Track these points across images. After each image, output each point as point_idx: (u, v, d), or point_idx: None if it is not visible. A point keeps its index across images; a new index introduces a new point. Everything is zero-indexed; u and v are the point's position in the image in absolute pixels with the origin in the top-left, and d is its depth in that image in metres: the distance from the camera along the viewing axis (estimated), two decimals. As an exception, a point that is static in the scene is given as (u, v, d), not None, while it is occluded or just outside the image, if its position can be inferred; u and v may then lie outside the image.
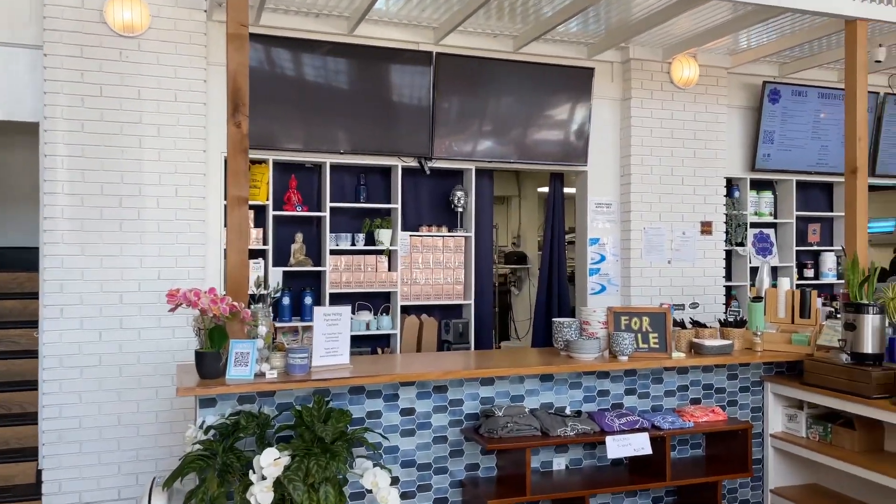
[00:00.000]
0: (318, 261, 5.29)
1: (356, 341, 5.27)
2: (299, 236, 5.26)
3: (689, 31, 5.42)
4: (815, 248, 6.69)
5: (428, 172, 5.48)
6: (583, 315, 4.13)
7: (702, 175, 5.97)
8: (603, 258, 5.86)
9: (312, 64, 5.06)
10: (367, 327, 5.28)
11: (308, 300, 5.12)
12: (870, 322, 3.75)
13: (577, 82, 5.63)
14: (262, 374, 3.29)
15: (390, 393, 3.60)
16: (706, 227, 5.98)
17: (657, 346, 4.03)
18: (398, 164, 5.38)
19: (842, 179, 6.60)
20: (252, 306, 3.48)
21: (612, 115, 5.88)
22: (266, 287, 3.94)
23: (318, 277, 5.32)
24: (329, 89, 5.12)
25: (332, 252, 5.24)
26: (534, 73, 5.56)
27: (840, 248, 6.69)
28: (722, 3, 4.87)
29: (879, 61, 5.13)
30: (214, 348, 3.23)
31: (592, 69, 5.65)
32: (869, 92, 6.43)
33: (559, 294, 6.01)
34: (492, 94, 5.45)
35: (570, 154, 5.71)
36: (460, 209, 5.59)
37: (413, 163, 5.43)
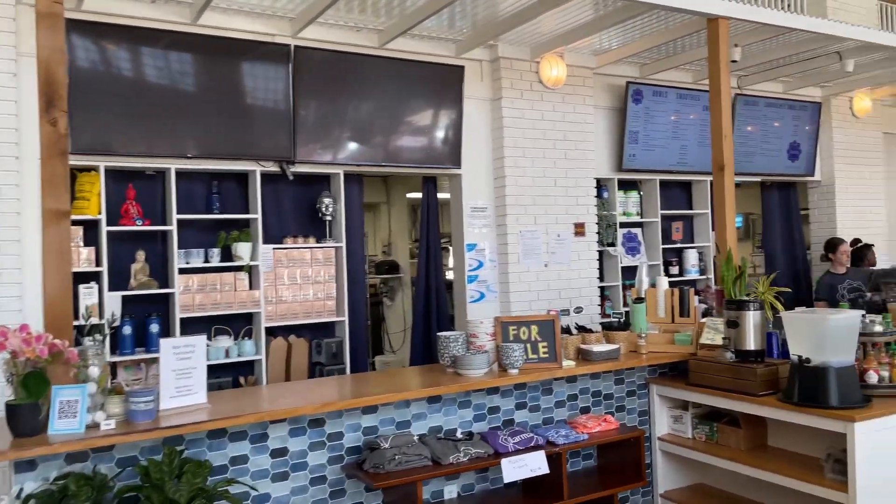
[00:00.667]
0: (165, 282, 4.65)
1: (215, 371, 4.68)
2: (141, 254, 4.59)
3: (555, 30, 5.35)
4: (679, 245, 6.91)
5: (291, 178, 5.00)
6: (470, 327, 3.86)
7: (573, 176, 5.94)
8: (481, 264, 5.66)
9: (152, 57, 4.44)
10: (227, 354, 4.71)
11: (154, 328, 4.47)
12: (751, 319, 3.77)
13: (446, 81, 5.39)
14: (97, 426, 2.71)
15: (258, 433, 3.13)
16: (579, 229, 5.95)
17: (547, 355, 3.84)
18: (257, 169, 4.86)
19: (700, 178, 6.87)
20: (81, 343, 2.87)
21: (483, 116, 5.70)
22: (100, 317, 3.32)
23: (166, 301, 4.67)
24: (173, 86, 4.51)
25: (182, 271, 4.62)
26: (402, 71, 5.25)
27: (705, 244, 6.96)
28: (586, 1, 4.83)
29: (735, 61, 5.34)
30: (31, 399, 2.63)
31: (462, 67, 5.44)
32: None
33: (437, 303, 5.73)
34: (358, 92, 5.08)
35: (443, 156, 5.46)
36: (329, 217, 5.15)
37: (274, 168, 4.93)
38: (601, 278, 6.25)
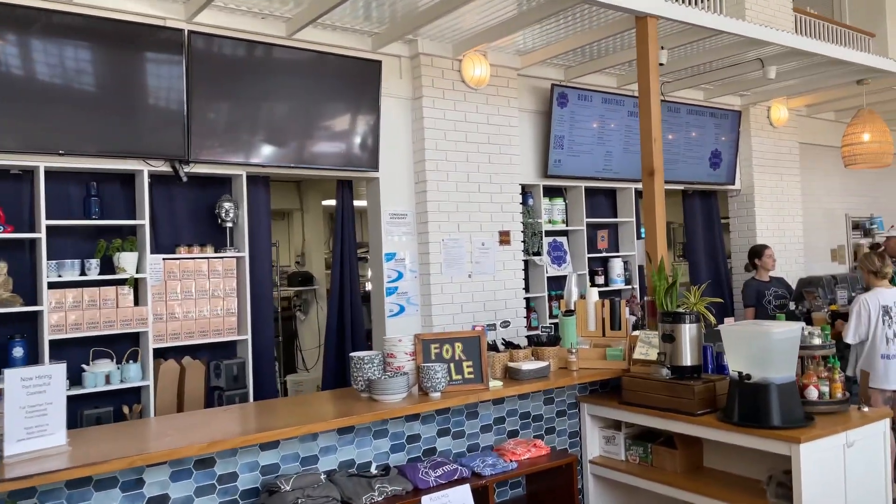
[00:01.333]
0: (32, 298, 4.03)
1: (93, 400, 4.09)
2: (2, 266, 3.95)
3: (477, 26, 5.06)
4: (605, 254, 6.75)
5: (185, 180, 4.48)
6: (387, 346, 3.47)
7: (498, 182, 5.66)
8: (401, 275, 5.28)
9: (20, 40, 3.84)
10: (109, 381, 4.12)
11: (18, 351, 3.85)
12: (687, 332, 3.55)
13: (363, 77, 5.00)
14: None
15: (131, 479, 2.64)
16: (504, 237, 5.67)
17: (472, 376, 3.49)
18: (144, 168, 4.32)
19: (625, 185, 6.74)
20: None
21: (403, 116, 5.34)
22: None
23: (33, 320, 4.04)
24: (41, 72, 3.92)
25: (53, 285, 4.01)
26: (314, 64, 4.82)
27: (630, 253, 6.82)
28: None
29: (662, 64, 5.19)
30: None
31: (379, 62, 5.06)
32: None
33: (353, 317, 5.30)
34: (264, 86, 4.62)
35: (360, 158, 5.05)
36: (229, 224, 4.65)
37: (165, 168, 4.40)
38: (527, 289, 5.98)
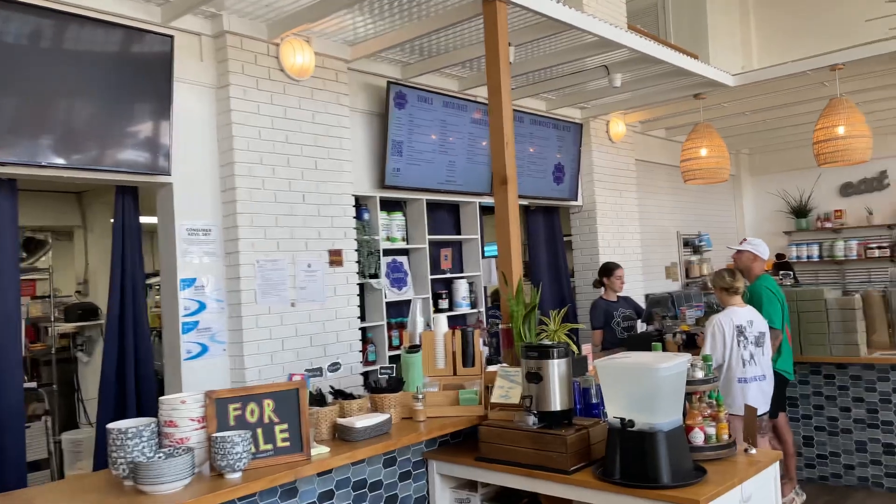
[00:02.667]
0: None
1: None
2: None
3: (296, 3, 4.23)
4: (449, 275, 6.13)
5: None
6: (163, 411, 2.52)
7: (327, 192, 4.83)
8: (202, 307, 4.26)
9: None
10: None
11: None
12: (556, 369, 2.95)
13: (147, 55, 3.97)
14: None
15: None
16: (336, 257, 4.84)
17: (288, 443, 2.64)
18: None
19: (469, 200, 6.19)
20: None
21: (205, 107, 4.36)
22: None
23: None
24: None
25: None
26: (78, 34, 3.72)
27: (475, 273, 6.26)
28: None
29: (511, 62, 4.67)
30: None
31: (171, 38, 4.05)
32: (483, 104, 6.18)
33: (138, 361, 4.19)
34: (7, 59, 3.45)
35: (145, 159, 4.00)
36: (-50, 243, 3.40)
37: None
38: (363, 317, 5.19)
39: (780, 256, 9.48)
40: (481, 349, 3.58)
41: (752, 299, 4.79)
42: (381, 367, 3.51)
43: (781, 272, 7.48)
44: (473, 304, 6.19)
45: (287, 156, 4.60)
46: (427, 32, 4.68)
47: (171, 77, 4.05)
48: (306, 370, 3.05)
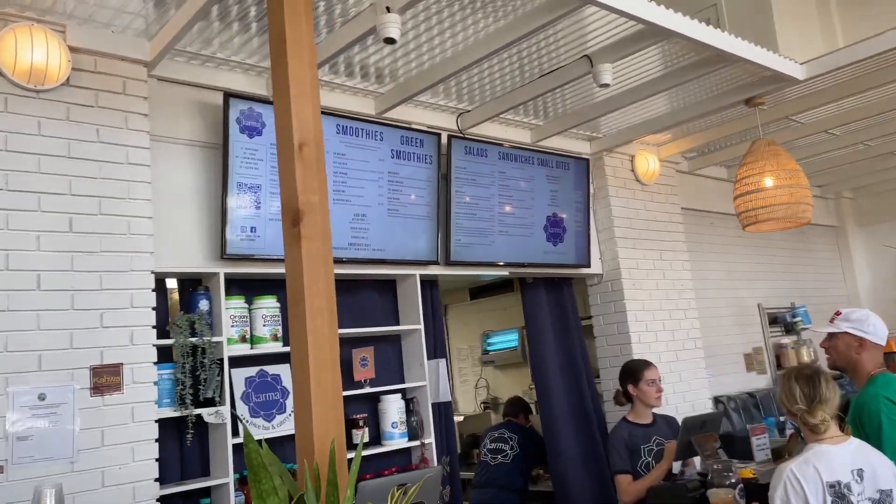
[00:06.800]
0: None
1: None
2: None
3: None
4: (370, 389, 4.07)
5: None
6: None
7: (99, 268, 2.99)
8: None
9: None
10: None
11: None
12: None
13: None
14: None
15: None
16: (105, 379, 2.93)
17: None
18: None
19: (405, 272, 4.21)
20: None
21: None
22: None
23: None
24: None
25: None
26: None
27: (416, 384, 4.17)
28: None
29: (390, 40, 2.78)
30: None
31: None
32: (427, 133, 4.30)
33: None
34: None
35: None
36: None
37: None
38: (171, 477, 3.19)
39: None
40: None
41: (863, 421, 2.57)
42: None
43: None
44: (414, 435, 4.07)
45: (16, 209, 2.81)
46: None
47: None
48: None
